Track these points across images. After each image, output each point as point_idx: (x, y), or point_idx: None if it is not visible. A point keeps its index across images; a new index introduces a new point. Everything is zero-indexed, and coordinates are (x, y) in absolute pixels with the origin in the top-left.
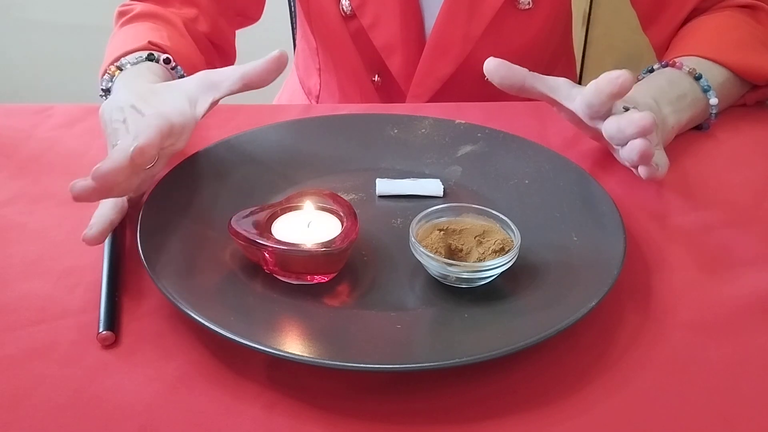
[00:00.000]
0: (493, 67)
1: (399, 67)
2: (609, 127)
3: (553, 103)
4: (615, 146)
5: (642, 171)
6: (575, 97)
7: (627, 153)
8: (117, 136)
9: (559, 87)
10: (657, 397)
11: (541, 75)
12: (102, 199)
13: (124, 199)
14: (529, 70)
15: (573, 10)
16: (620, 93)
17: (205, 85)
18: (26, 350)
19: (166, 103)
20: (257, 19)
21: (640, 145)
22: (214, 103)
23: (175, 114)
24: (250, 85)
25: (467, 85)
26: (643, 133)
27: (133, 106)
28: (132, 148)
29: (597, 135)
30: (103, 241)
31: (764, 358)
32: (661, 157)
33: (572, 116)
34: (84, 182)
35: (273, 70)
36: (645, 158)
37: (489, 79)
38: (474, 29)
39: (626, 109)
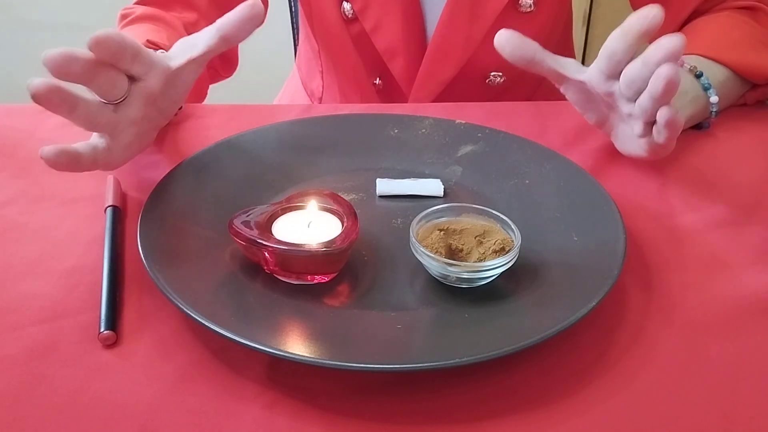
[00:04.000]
0: (505, 38)
1: (401, 70)
2: (632, 67)
3: (561, 79)
4: (632, 97)
5: (663, 113)
6: (584, 71)
7: (651, 86)
8: None
9: (568, 64)
10: (657, 397)
11: (551, 53)
12: (64, 111)
13: (100, 144)
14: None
15: (573, 10)
16: (651, 29)
17: (183, 47)
18: (26, 350)
19: None
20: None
21: (667, 71)
22: (194, 63)
23: (144, 48)
24: (227, 37)
25: (469, 88)
26: (672, 57)
27: None
28: (90, 38)
29: (602, 118)
30: (60, 168)
31: (764, 358)
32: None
33: (578, 94)
34: (44, 78)
35: (248, 19)
36: (672, 87)
37: (499, 51)
38: (476, 32)
39: None
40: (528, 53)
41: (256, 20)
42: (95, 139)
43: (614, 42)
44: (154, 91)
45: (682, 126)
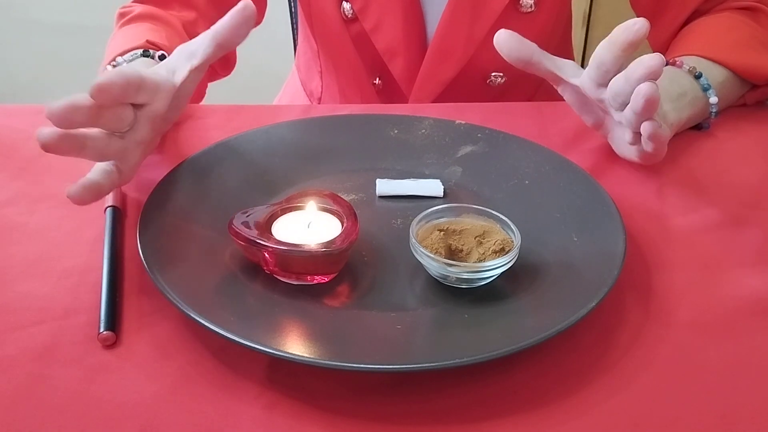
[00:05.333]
0: (504, 38)
1: (401, 70)
2: (615, 81)
3: (558, 80)
4: (618, 108)
5: (646, 128)
6: (580, 75)
7: (633, 102)
8: None
9: (565, 66)
10: (658, 397)
11: (549, 54)
12: (74, 152)
13: (113, 168)
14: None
15: (573, 10)
16: (636, 41)
17: (183, 56)
18: (26, 350)
19: None
20: (258, 23)
21: (647, 89)
22: (194, 72)
23: (148, 72)
24: (223, 44)
25: (469, 88)
26: (652, 75)
27: None
28: (91, 86)
29: (598, 121)
30: (87, 202)
31: (764, 358)
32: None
33: (575, 96)
34: (51, 128)
35: (242, 23)
36: (652, 104)
37: (498, 50)
38: (477, 33)
39: None
40: (526, 54)
41: (249, 23)
42: (107, 166)
43: (602, 52)
44: (161, 112)
45: (667, 138)
